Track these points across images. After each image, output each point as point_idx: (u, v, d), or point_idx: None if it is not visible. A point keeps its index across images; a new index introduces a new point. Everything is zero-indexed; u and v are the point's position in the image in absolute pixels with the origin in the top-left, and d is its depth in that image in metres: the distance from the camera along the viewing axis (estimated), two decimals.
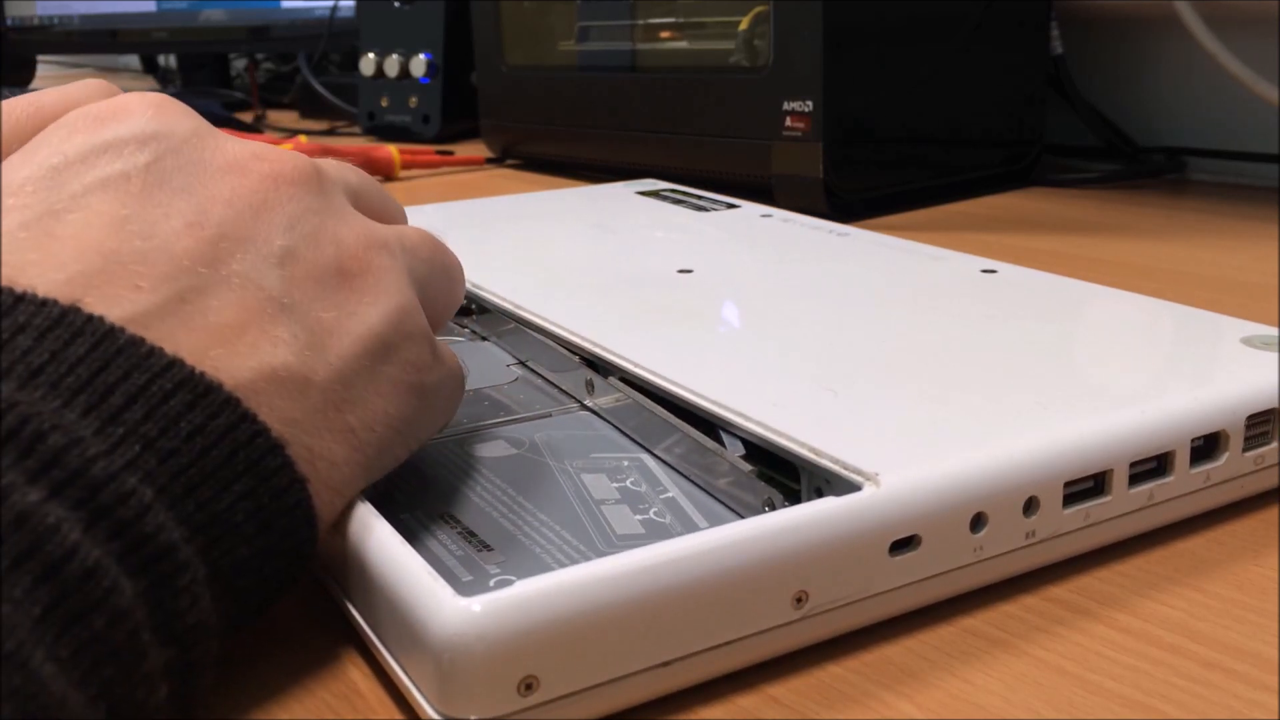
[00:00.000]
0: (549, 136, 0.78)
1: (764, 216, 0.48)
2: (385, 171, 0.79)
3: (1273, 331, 0.30)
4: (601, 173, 0.76)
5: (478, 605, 0.18)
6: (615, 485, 0.26)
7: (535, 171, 0.81)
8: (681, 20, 0.67)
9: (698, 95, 0.66)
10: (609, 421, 0.30)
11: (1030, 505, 0.23)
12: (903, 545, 0.22)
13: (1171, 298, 0.34)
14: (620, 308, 0.34)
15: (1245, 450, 0.26)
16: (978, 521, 0.22)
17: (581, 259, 0.41)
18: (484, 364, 0.35)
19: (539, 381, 0.34)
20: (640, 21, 0.69)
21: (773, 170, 0.62)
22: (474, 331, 0.39)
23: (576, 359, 0.32)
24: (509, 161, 0.85)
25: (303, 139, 0.78)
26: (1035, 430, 0.24)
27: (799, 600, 0.21)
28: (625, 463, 0.28)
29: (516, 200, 0.54)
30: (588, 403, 0.31)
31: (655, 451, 0.28)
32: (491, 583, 0.22)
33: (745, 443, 0.25)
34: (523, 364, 0.35)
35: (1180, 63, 0.72)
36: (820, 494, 0.23)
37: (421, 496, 0.26)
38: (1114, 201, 0.64)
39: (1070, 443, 0.24)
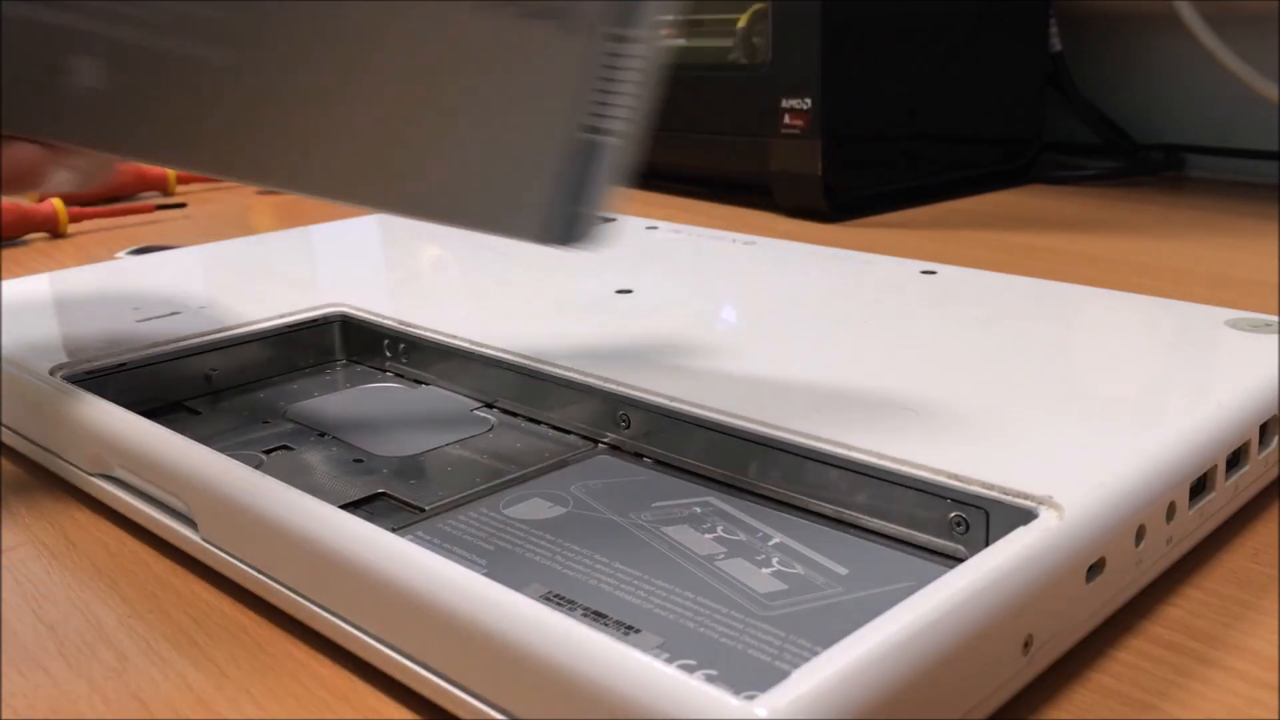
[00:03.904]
0: None
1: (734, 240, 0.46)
2: None
3: (1258, 317, 0.31)
4: None
5: (763, 710, 0.16)
6: (709, 537, 0.24)
7: None
8: (679, 17, 0.64)
9: (696, 93, 0.64)
10: (635, 461, 0.27)
11: (1171, 511, 0.23)
12: (1095, 569, 0.21)
13: (1170, 295, 0.34)
14: (591, 331, 0.31)
15: (1258, 453, 0.27)
16: (1140, 534, 0.22)
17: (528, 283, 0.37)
18: (442, 411, 0.31)
19: (524, 424, 0.30)
20: None
21: (771, 168, 0.60)
22: (400, 374, 0.34)
23: (596, 397, 0.29)
24: None
25: None
26: (1164, 436, 0.24)
27: (1026, 645, 0.19)
28: (697, 509, 0.25)
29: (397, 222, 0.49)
30: (604, 442, 0.28)
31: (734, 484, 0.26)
32: (698, 674, 0.19)
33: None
34: (490, 406, 0.32)
35: (1179, 60, 0.71)
36: (961, 525, 0.22)
37: (508, 576, 0.22)
38: (1113, 199, 0.63)
39: (1187, 444, 0.24)
